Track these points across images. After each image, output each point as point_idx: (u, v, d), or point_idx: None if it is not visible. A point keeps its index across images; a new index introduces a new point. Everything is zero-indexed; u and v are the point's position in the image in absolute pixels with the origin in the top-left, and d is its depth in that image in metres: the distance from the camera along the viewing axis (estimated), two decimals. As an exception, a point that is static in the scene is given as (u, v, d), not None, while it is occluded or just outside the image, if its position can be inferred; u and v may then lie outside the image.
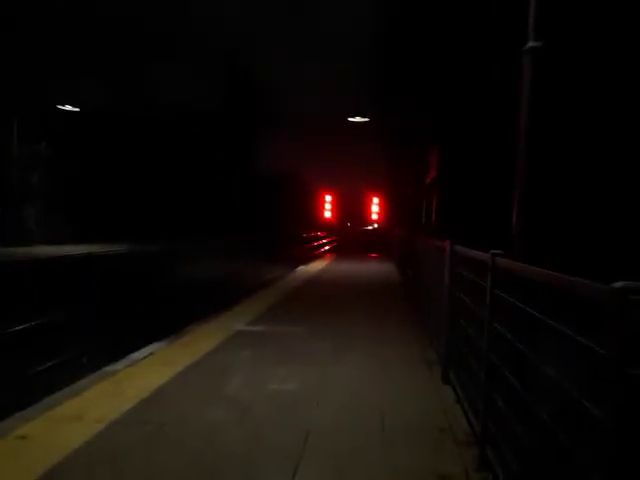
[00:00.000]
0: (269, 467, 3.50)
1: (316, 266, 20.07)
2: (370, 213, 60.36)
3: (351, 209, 67.56)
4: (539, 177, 4.47)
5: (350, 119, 25.12)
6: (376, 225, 56.55)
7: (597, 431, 1.64)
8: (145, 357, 6.10)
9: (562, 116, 8.93)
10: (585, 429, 1.78)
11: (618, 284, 1.57)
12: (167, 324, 8.77)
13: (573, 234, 9.76)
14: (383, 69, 23.88)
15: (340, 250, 35.71)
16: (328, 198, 69.24)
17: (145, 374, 5.43)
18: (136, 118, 30.53)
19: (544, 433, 2.30)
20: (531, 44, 4.34)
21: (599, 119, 10.38)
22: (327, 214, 69.87)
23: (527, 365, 2.67)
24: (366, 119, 24.94)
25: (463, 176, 16.32)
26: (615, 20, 10.10)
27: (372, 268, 20.30)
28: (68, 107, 26.70)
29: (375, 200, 58.01)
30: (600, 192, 10.19)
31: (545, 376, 2.32)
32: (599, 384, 1.66)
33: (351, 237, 49.08)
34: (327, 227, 64.55)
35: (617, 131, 10.43)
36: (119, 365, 5.73)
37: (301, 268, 18.85)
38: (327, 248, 41.46)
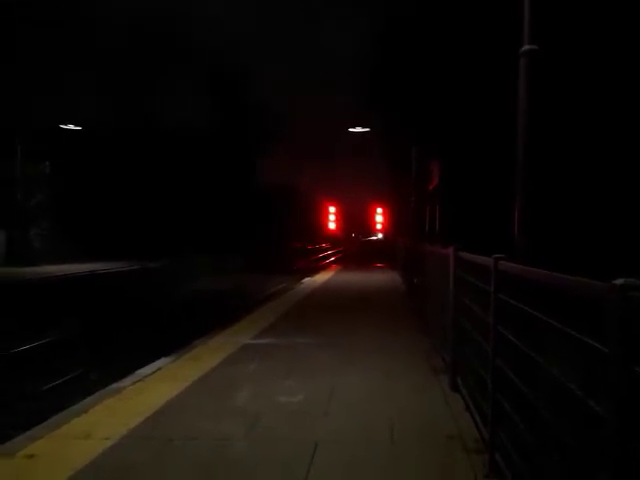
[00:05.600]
0: (278, 479, 3.49)
1: (322, 277, 20.04)
2: (374, 223, 60.13)
3: (355, 220, 67.51)
4: (539, 178, 4.48)
5: (351, 129, 25.19)
6: (380, 235, 56.39)
7: (602, 430, 1.62)
8: (153, 372, 6.09)
9: (557, 112, 9.03)
10: (592, 429, 1.76)
11: (618, 281, 1.57)
12: (174, 339, 8.76)
13: (574, 228, 9.85)
14: (382, 80, 24.01)
15: (345, 261, 35.65)
16: (332, 209, 69.15)
17: (153, 389, 5.43)
18: (136, 135, 30.75)
19: (552, 436, 2.28)
20: (526, 47, 4.37)
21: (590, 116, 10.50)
22: (331, 225, 69.75)
23: (534, 368, 2.65)
24: (367, 129, 25.00)
25: (465, 182, 16.37)
26: (605, 21, 10.26)
27: (377, 278, 20.26)
28: (71, 126, 26.94)
29: (379, 210, 57.82)
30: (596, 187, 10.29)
31: (551, 378, 2.30)
32: (603, 383, 1.65)
33: (356, 247, 48.98)
34: (332, 238, 64.50)
35: (610, 127, 10.56)
36: (127, 381, 5.73)
37: (307, 280, 18.82)
38: (332, 259, 41.40)
